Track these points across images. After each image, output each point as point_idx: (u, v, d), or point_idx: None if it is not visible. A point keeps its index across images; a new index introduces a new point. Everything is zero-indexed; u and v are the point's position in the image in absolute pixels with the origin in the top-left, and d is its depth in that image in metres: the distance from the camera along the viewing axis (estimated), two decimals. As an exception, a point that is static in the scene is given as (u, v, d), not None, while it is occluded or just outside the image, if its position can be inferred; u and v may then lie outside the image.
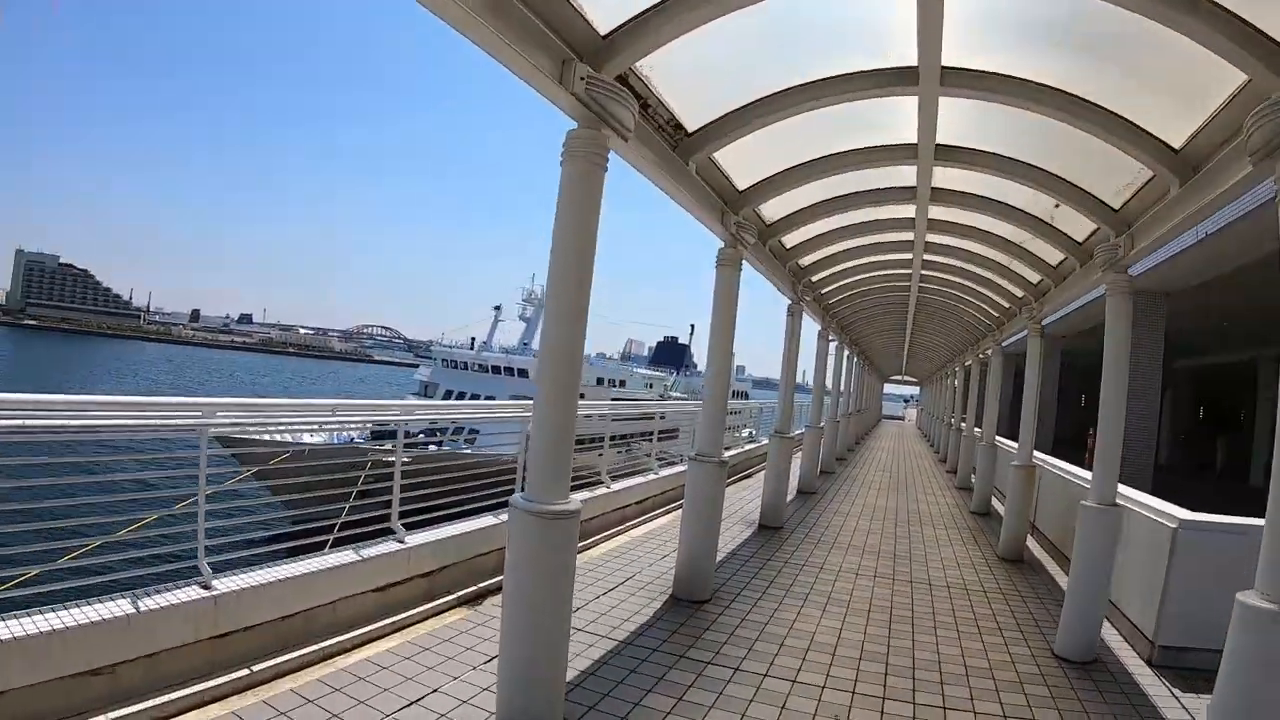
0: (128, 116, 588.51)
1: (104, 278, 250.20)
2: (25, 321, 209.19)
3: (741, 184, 5.79)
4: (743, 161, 5.47)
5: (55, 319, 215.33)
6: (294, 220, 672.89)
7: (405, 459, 5.39)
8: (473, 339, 49.79)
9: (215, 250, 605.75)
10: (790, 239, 7.84)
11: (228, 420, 4.52)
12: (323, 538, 5.01)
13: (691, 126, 4.67)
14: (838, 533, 9.11)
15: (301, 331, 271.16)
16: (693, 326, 73.94)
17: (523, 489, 4.05)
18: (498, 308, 49.41)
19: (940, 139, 5.11)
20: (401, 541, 5.23)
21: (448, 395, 39.87)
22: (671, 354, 70.55)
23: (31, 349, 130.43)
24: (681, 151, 4.71)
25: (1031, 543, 9.11)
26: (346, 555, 4.76)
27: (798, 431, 13.50)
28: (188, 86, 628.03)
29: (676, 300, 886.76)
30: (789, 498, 10.22)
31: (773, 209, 6.76)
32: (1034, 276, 8.31)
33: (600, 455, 8.61)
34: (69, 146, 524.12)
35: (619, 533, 7.94)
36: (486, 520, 5.99)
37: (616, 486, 8.52)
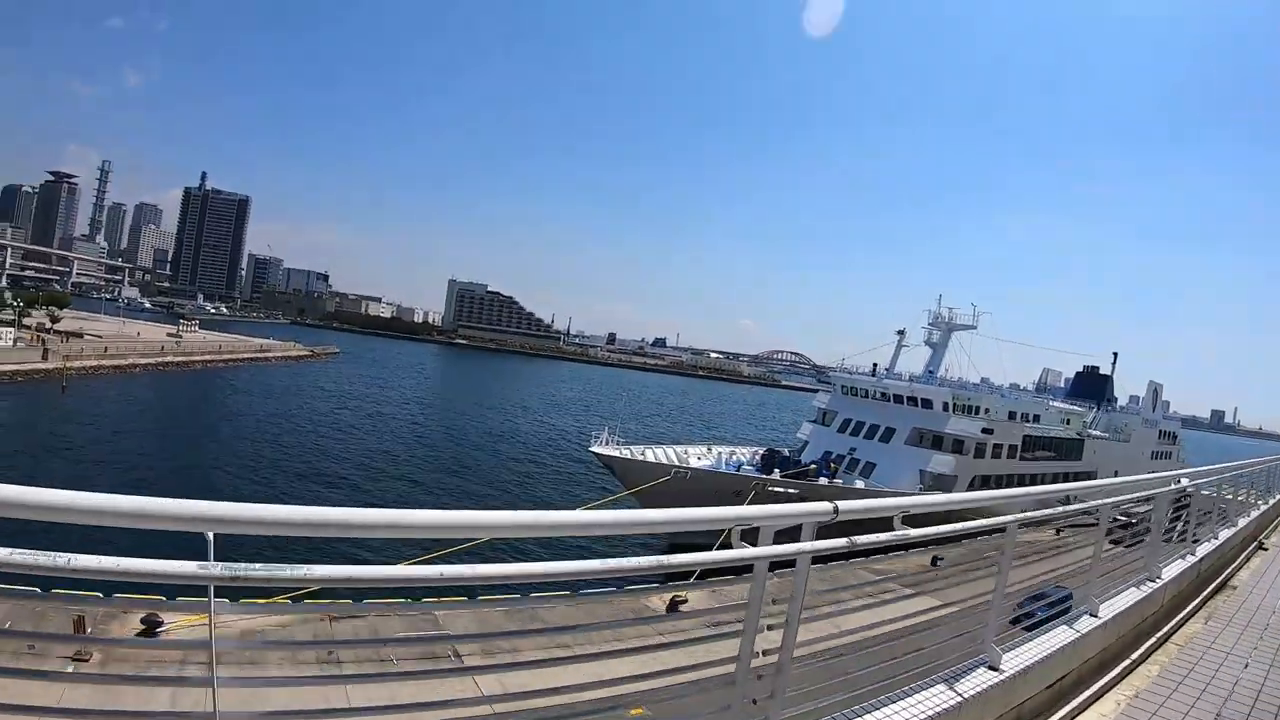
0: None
1: (528, 304, 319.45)
2: (457, 341, 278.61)
3: None
4: None
5: (483, 339, 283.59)
6: (711, 250, 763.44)
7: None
8: (874, 365, 50.12)
9: (636, 281, 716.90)
10: None
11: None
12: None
13: None
14: None
15: (712, 355, 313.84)
16: (1115, 355, 65.63)
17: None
18: (901, 332, 49.30)
19: None
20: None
21: (845, 424, 43.28)
22: (1091, 386, 64.27)
23: (460, 363, 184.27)
24: None
25: None
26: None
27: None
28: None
29: (1099, 326, 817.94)
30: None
31: None
32: None
33: (988, 607, 5.01)
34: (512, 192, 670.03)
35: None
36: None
37: (1012, 666, 4.96)
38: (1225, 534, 10.30)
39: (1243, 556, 10.76)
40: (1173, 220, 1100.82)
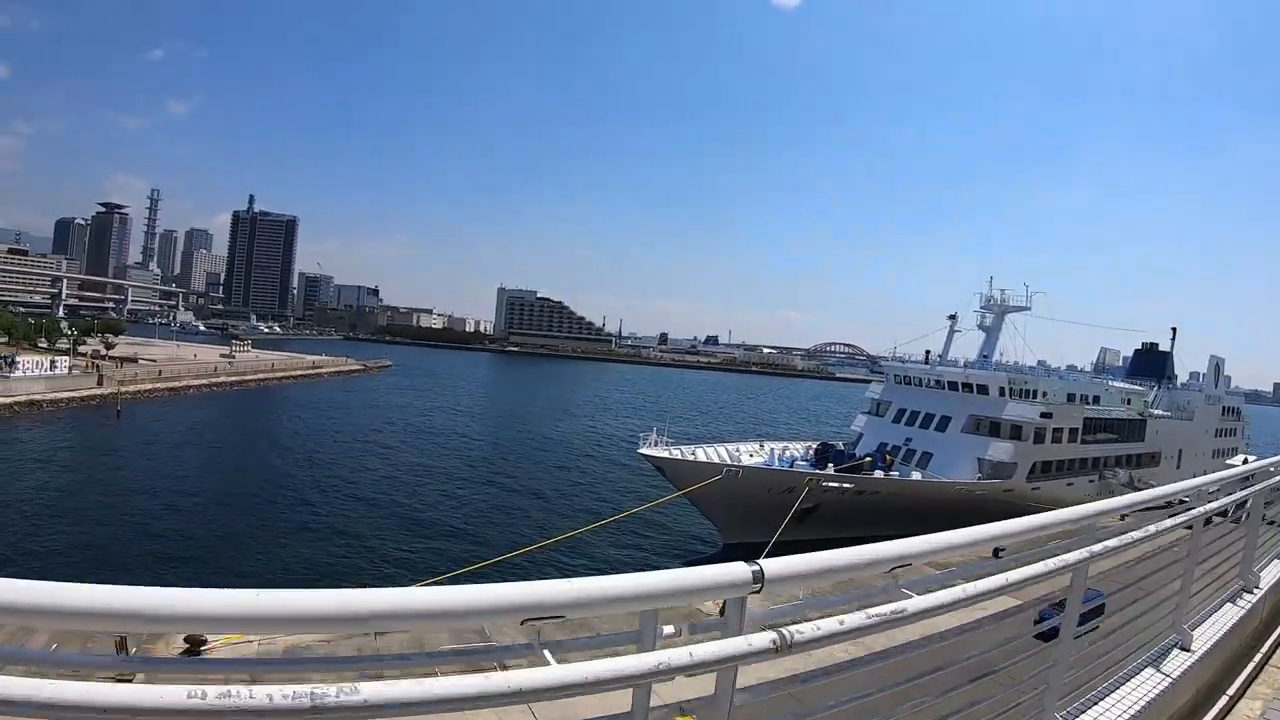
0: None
1: (578, 308, 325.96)
2: (508, 348, 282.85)
3: None
4: None
5: (534, 345, 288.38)
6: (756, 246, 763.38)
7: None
8: (927, 352, 49.23)
9: (686, 279, 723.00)
10: None
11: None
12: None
13: None
14: None
15: (765, 351, 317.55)
16: (1174, 330, 65.16)
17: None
18: (952, 317, 48.39)
19: None
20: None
21: (900, 414, 43.04)
22: (1151, 364, 63.37)
23: (512, 370, 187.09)
24: None
25: None
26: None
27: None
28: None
29: (1155, 300, 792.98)
30: None
31: None
32: None
33: (1049, 663, 3.96)
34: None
35: None
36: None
37: None
38: None
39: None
40: (1227, 183, 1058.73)
